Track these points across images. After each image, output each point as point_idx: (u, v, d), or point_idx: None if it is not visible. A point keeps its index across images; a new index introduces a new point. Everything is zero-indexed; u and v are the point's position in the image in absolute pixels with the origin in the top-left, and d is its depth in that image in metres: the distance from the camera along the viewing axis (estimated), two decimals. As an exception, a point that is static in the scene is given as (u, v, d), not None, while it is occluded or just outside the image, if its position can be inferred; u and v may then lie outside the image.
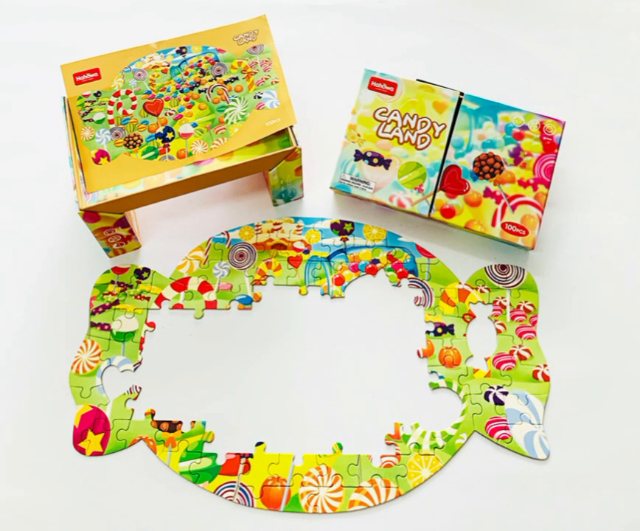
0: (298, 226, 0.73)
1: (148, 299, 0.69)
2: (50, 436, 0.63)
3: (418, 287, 0.69)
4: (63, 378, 0.65)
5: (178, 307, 0.68)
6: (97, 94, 0.70)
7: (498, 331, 0.67)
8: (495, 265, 0.70)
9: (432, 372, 0.65)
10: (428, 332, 0.67)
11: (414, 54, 0.85)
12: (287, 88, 0.70)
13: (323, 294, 0.69)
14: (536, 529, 0.59)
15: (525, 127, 0.71)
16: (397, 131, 0.72)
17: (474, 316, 0.68)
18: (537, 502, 0.60)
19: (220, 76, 0.71)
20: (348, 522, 0.59)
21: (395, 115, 0.73)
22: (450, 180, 0.70)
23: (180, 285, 0.70)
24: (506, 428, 0.63)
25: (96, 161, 0.66)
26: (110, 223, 0.66)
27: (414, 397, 0.64)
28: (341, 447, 0.62)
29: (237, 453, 0.62)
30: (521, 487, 0.60)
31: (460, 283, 0.70)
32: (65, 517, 0.60)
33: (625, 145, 0.78)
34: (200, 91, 0.71)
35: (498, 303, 0.69)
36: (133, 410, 0.64)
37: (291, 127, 0.67)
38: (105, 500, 0.60)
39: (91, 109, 0.69)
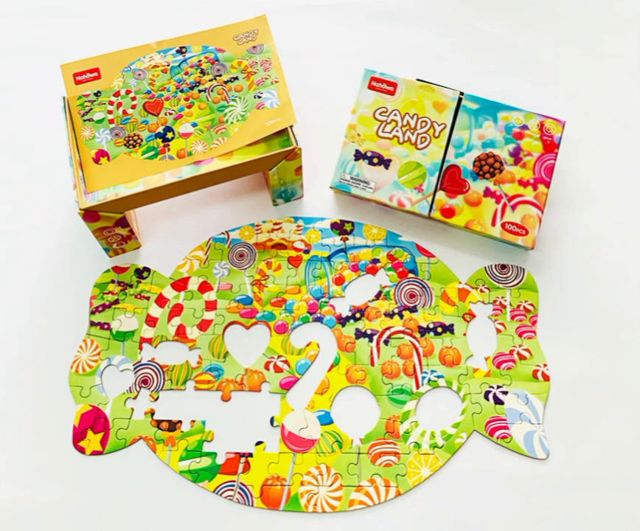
0: (298, 226, 0.73)
1: (148, 298, 0.69)
2: (50, 436, 0.63)
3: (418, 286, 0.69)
4: (63, 377, 0.65)
5: (178, 306, 0.69)
6: (97, 94, 0.70)
7: (498, 331, 0.67)
8: (495, 265, 0.70)
9: (432, 371, 0.65)
10: (428, 331, 0.67)
11: (414, 53, 0.85)
12: (287, 88, 0.70)
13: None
14: (536, 528, 0.59)
15: (525, 127, 0.71)
16: (397, 131, 0.72)
17: (474, 316, 0.68)
18: (536, 502, 0.60)
19: (220, 76, 0.71)
20: (348, 521, 0.59)
21: (395, 115, 0.73)
22: (450, 180, 0.70)
23: (180, 284, 0.70)
24: (505, 428, 0.63)
25: (96, 160, 0.66)
26: (110, 223, 0.66)
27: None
28: (340, 446, 0.62)
29: (236, 453, 0.62)
30: (521, 487, 0.60)
31: (460, 283, 0.70)
32: (64, 516, 0.60)
33: (625, 145, 0.78)
34: (200, 91, 0.71)
35: (498, 303, 0.69)
36: (132, 409, 0.64)
37: (291, 127, 0.67)
38: (105, 499, 0.60)
39: (91, 109, 0.69)
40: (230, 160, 0.66)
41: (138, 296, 0.69)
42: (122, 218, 0.66)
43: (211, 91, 0.71)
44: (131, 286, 0.70)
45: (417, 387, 0.64)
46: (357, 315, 0.68)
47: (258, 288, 0.70)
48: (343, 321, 0.68)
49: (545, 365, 0.65)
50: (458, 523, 0.59)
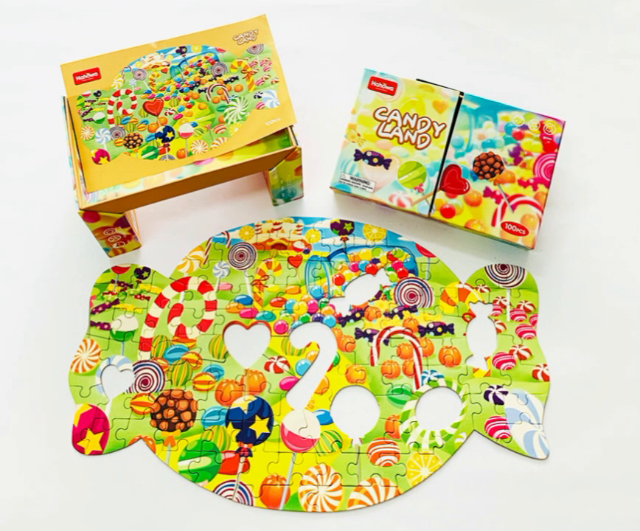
0: (298, 226, 0.73)
1: (148, 298, 0.69)
2: (49, 435, 0.63)
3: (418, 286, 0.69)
4: (63, 377, 0.65)
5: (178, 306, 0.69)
6: (97, 94, 0.70)
7: (498, 331, 0.67)
8: (495, 265, 0.70)
9: (432, 371, 0.65)
10: (428, 331, 0.67)
11: (414, 53, 0.85)
12: (287, 88, 0.70)
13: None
14: (535, 528, 0.59)
15: (525, 127, 0.71)
16: (397, 131, 0.72)
17: (474, 316, 0.68)
18: (536, 502, 0.60)
19: (219, 75, 0.72)
20: (347, 521, 0.59)
21: (395, 115, 0.73)
22: (450, 179, 0.70)
23: (180, 284, 0.70)
24: (505, 428, 0.63)
25: (96, 160, 0.66)
26: (110, 223, 0.66)
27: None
28: (340, 445, 0.62)
29: (236, 452, 0.62)
30: (520, 487, 0.60)
31: (460, 282, 0.70)
32: (63, 516, 0.60)
33: (625, 145, 0.78)
34: (200, 91, 0.71)
35: (498, 303, 0.69)
36: (132, 409, 0.64)
37: (291, 126, 0.67)
38: (104, 499, 0.60)
39: (91, 109, 0.69)
40: (230, 160, 0.66)
41: (138, 296, 0.69)
42: (122, 218, 0.66)
43: (211, 91, 0.71)
44: (131, 286, 0.70)
45: (417, 387, 0.64)
46: (357, 315, 0.68)
47: (258, 288, 0.70)
48: (343, 321, 0.68)
49: (545, 365, 0.65)
50: (458, 524, 0.59)
